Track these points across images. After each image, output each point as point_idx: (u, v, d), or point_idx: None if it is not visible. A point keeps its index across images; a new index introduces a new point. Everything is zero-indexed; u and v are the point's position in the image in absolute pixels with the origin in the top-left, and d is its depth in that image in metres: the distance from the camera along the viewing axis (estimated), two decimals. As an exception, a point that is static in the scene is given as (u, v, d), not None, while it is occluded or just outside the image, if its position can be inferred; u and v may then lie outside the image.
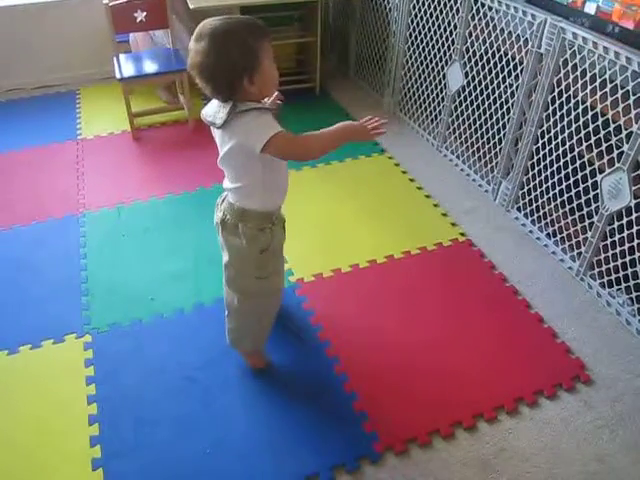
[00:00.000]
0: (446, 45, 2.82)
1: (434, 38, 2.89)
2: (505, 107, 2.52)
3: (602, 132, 2.04)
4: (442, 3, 2.74)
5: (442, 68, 2.91)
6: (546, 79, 2.23)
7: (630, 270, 2.05)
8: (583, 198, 2.22)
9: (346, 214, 2.67)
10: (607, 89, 1.98)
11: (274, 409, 1.82)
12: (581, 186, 2.20)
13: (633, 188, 1.95)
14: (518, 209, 2.61)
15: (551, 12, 2.17)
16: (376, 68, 3.59)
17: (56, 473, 1.65)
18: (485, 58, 2.57)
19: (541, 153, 2.37)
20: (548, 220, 2.45)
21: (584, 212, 2.23)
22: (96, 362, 1.97)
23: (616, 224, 2.06)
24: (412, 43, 3.12)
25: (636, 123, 1.87)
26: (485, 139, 2.75)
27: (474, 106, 2.75)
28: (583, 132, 2.13)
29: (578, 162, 2.19)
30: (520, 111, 2.43)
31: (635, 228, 1.97)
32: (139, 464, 1.67)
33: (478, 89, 2.68)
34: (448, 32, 2.77)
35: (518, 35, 2.35)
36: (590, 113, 2.07)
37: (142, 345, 2.03)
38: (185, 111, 3.37)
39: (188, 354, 1.99)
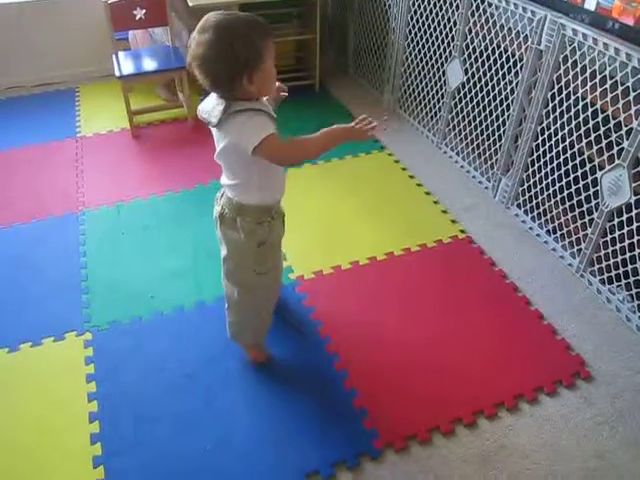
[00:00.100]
0: (446, 42, 2.81)
1: (434, 35, 2.89)
2: (505, 104, 2.52)
3: (602, 129, 2.03)
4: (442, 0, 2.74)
5: (442, 65, 2.90)
6: (546, 76, 2.23)
7: (630, 267, 2.04)
8: (583, 195, 2.21)
9: (346, 211, 2.67)
10: (607, 85, 1.97)
11: (274, 406, 1.82)
12: (581, 183, 2.20)
13: (633, 185, 1.94)
14: (518, 206, 2.61)
15: (551, 8, 2.17)
16: (376, 65, 3.59)
17: (57, 471, 1.66)
18: (485, 55, 2.57)
19: (541, 150, 2.37)
20: (548, 217, 2.45)
21: (584, 209, 2.23)
22: (96, 360, 1.97)
23: (616, 221, 2.06)
24: (412, 40, 3.11)
25: (636, 119, 1.87)
26: (485, 136, 2.74)
27: (474, 103, 2.75)
28: (583, 129, 2.13)
29: (578, 159, 2.19)
30: (520, 108, 2.43)
31: (635, 225, 1.97)
32: (140, 461, 1.67)
33: (478, 86, 2.68)
34: (448, 29, 2.77)
35: (518, 31, 2.35)
36: (590, 110, 2.07)
37: (142, 343, 2.03)
38: (184, 109, 3.36)
39: (188, 351, 1.99)
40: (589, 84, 2.04)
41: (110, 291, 2.24)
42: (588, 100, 2.07)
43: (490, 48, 2.52)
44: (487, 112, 2.66)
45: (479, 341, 2.04)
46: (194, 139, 3.23)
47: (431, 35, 2.91)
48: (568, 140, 2.21)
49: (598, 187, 2.09)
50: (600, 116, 2.03)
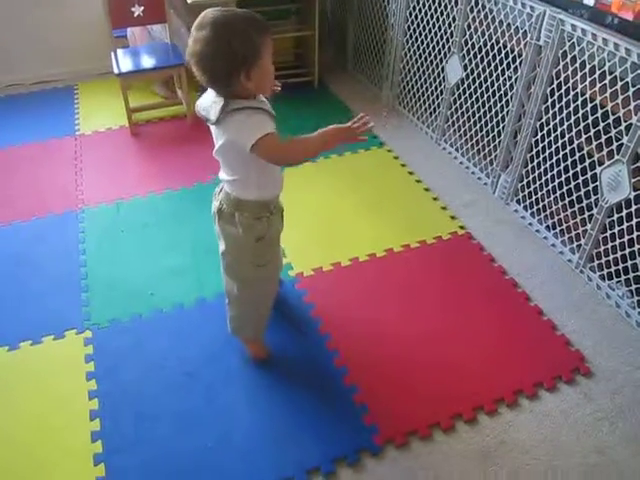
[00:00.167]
0: (445, 37, 2.81)
1: (433, 30, 2.88)
2: (504, 99, 2.51)
3: (601, 124, 2.03)
4: (440, -5, 2.74)
5: (441, 61, 2.89)
6: (545, 71, 2.23)
7: (630, 262, 2.05)
8: (582, 190, 2.21)
9: (345, 208, 2.67)
10: (606, 81, 1.97)
11: (275, 403, 1.83)
12: (580, 178, 2.20)
13: (633, 180, 1.94)
14: (517, 202, 2.61)
15: (550, 4, 2.16)
16: (374, 61, 3.58)
17: (57, 468, 1.66)
18: (484, 50, 2.56)
19: (540, 145, 2.37)
20: (547, 213, 2.45)
21: (584, 204, 2.23)
22: (96, 358, 1.97)
23: (616, 216, 2.06)
24: (411, 36, 3.11)
25: (635, 115, 1.87)
26: (484, 132, 2.74)
27: (473, 99, 2.74)
28: (582, 124, 2.12)
29: (577, 154, 2.18)
30: (519, 103, 2.42)
31: (635, 220, 1.97)
32: (141, 459, 1.67)
33: (477, 82, 2.68)
34: (447, 24, 2.76)
35: (517, 27, 2.34)
36: (589, 105, 2.07)
37: (142, 340, 2.03)
38: (183, 106, 3.36)
39: (188, 349, 1.99)
40: (588, 80, 2.04)
41: (110, 289, 2.24)
42: (587, 96, 2.07)
43: (489, 44, 2.52)
44: (486, 108, 2.66)
45: (479, 337, 2.04)
46: (193, 136, 3.23)
47: (430, 31, 2.91)
48: (567, 136, 2.21)
49: (597, 183, 2.08)
50: (599, 112, 2.03)
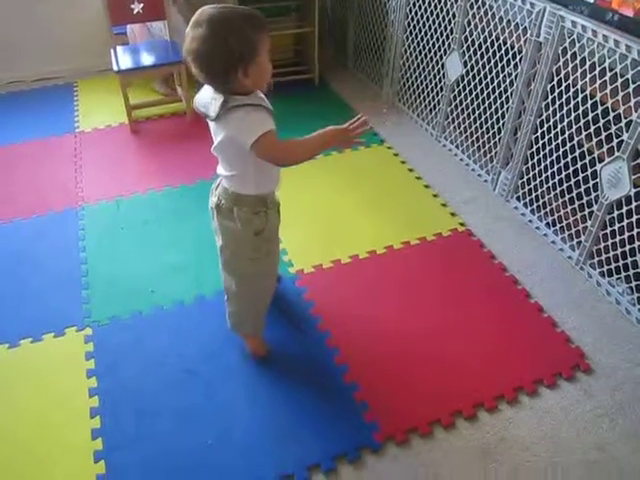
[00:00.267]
0: (445, 34, 2.80)
1: (433, 27, 2.87)
2: (504, 96, 2.51)
3: (601, 121, 2.03)
4: (440, -8, 2.73)
5: (441, 57, 2.89)
6: (545, 68, 2.22)
7: (630, 259, 2.04)
8: (582, 187, 2.21)
9: (345, 205, 2.67)
10: (606, 77, 1.96)
11: (275, 400, 1.83)
12: (580, 175, 2.19)
13: (633, 177, 1.94)
14: (517, 199, 2.61)
15: (550, 0, 2.16)
16: (375, 58, 3.57)
17: (58, 465, 1.66)
18: (484, 47, 2.56)
19: (540, 142, 2.37)
20: (548, 209, 2.45)
21: (584, 201, 2.23)
22: (97, 355, 1.97)
23: (616, 213, 2.06)
24: (411, 32, 3.10)
25: (636, 111, 1.86)
26: (484, 129, 2.74)
27: (473, 95, 2.74)
28: (582, 121, 2.12)
29: (577, 151, 2.18)
30: (519, 100, 2.42)
31: (635, 217, 1.97)
32: (141, 456, 1.67)
33: (477, 78, 2.67)
34: (447, 21, 2.75)
35: (517, 24, 2.34)
36: (589, 102, 2.06)
37: (142, 338, 2.03)
38: (183, 103, 3.35)
39: (188, 346, 2.00)
40: (588, 76, 2.04)
41: (110, 286, 2.24)
42: (587, 92, 2.06)
43: (489, 40, 2.51)
44: (486, 105, 2.66)
45: (479, 334, 2.04)
46: (193, 133, 3.22)
47: (430, 28, 2.90)
48: (567, 132, 2.21)
49: (598, 180, 2.08)
50: (600, 108, 2.03)
